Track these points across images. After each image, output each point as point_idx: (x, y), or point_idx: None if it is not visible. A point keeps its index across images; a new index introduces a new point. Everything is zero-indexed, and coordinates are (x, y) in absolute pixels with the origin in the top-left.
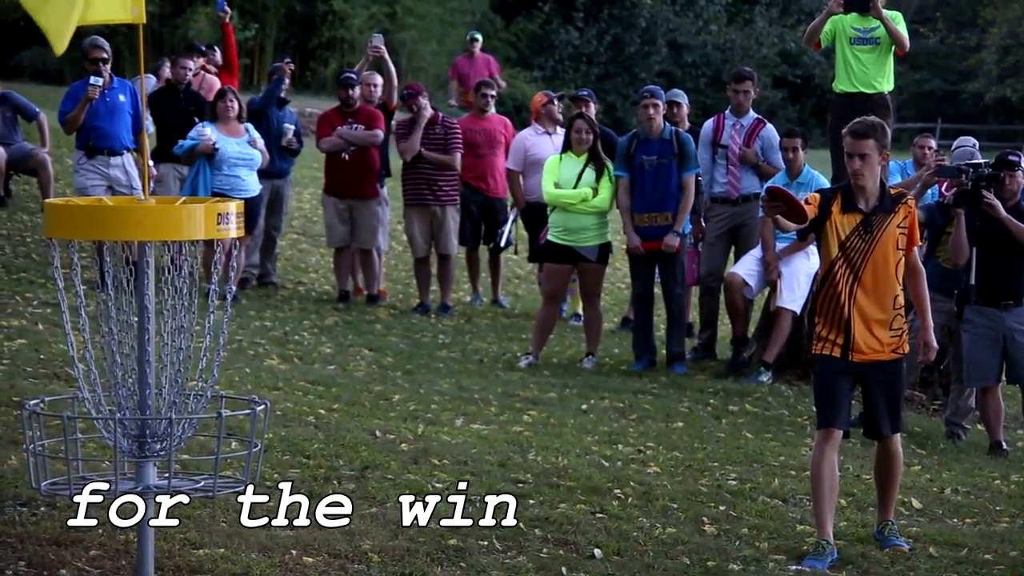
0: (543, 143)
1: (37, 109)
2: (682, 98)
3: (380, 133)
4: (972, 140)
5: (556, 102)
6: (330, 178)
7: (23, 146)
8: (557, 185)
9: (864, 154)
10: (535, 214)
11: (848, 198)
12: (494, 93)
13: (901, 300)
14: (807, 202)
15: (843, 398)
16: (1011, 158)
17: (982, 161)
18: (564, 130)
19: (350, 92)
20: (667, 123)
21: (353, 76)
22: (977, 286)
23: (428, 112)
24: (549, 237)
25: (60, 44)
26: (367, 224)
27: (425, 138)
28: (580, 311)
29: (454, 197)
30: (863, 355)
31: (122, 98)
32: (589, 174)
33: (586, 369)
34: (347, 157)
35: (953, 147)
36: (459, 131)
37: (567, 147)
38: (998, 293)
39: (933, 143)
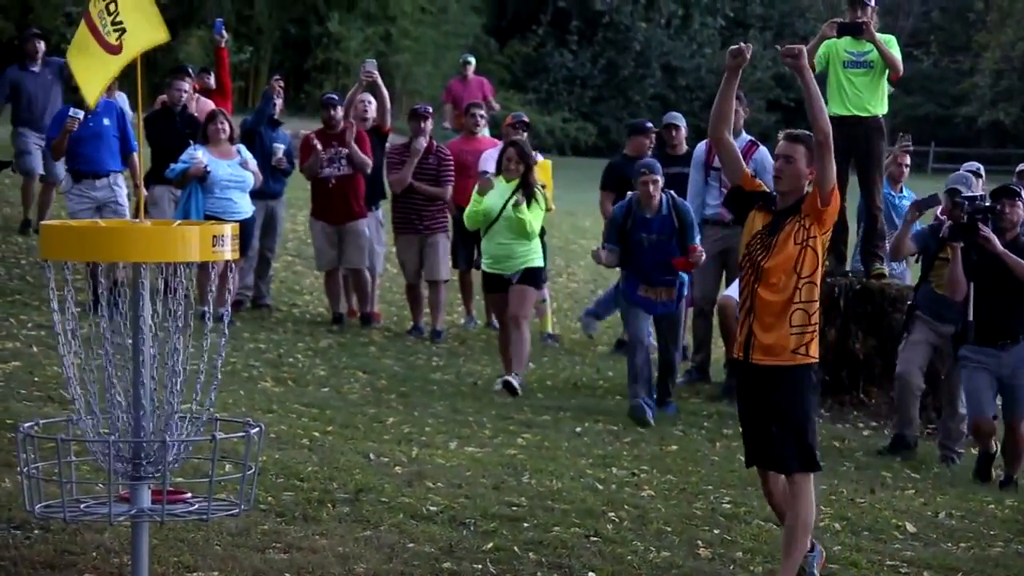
0: None
1: None
2: (680, 121)
3: (369, 161)
4: (975, 166)
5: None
6: (317, 203)
7: None
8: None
9: (788, 155)
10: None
11: (770, 198)
12: (483, 114)
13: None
14: (752, 175)
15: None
16: (1012, 187)
17: (978, 193)
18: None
19: (332, 112)
20: (663, 195)
21: (335, 97)
22: (975, 323)
23: (422, 147)
24: (483, 267)
25: (90, 98)
26: (354, 243)
27: (417, 167)
28: (550, 329)
29: (443, 223)
30: (761, 359)
31: (107, 122)
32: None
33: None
34: (333, 182)
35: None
36: (452, 161)
37: (498, 172)
38: (996, 332)
39: (908, 160)
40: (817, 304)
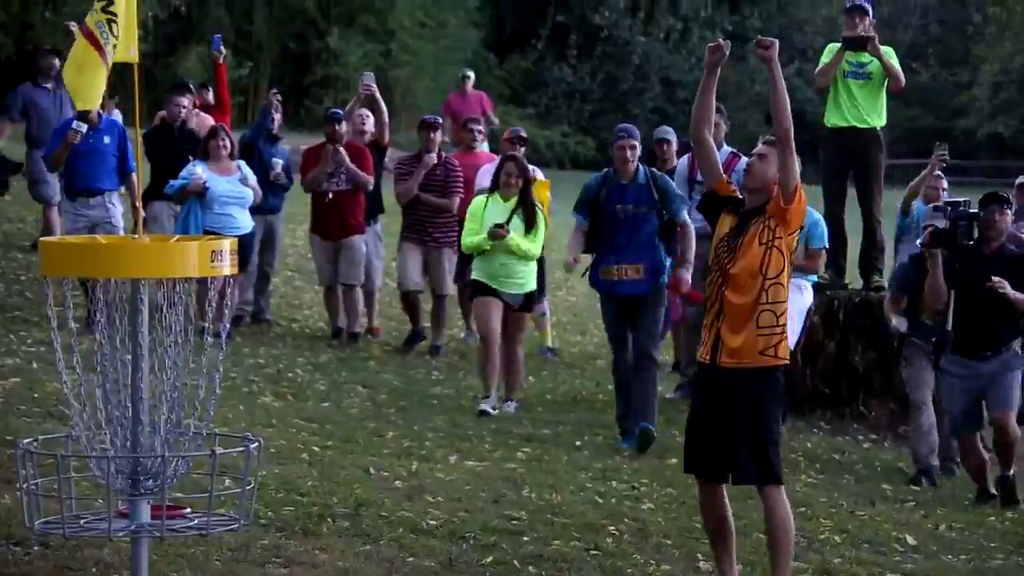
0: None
1: None
2: (671, 135)
3: (370, 179)
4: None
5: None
6: (315, 218)
7: None
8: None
9: (761, 154)
10: None
11: (739, 202)
12: (481, 129)
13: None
14: (728, 182)
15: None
16: (1001, 194)
17: (961, 199)
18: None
19: (337, 127)
20: (640, 164)
21: (340, 112)
22: (955, 333)
23: (433, 160)
24: (473, 276)
25: (82, 104)
26: (349, 258)
27: (425, 179)
28: (550, 343)
29: (451, 237)
30: (728, 361)
31: (107, 140)
32: (517, 222)
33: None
34: (330, 197)
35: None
36: (460, 173)
37: (495, 188)
38: (976, 343)
39: (945, 183)
40: (785, 305)
